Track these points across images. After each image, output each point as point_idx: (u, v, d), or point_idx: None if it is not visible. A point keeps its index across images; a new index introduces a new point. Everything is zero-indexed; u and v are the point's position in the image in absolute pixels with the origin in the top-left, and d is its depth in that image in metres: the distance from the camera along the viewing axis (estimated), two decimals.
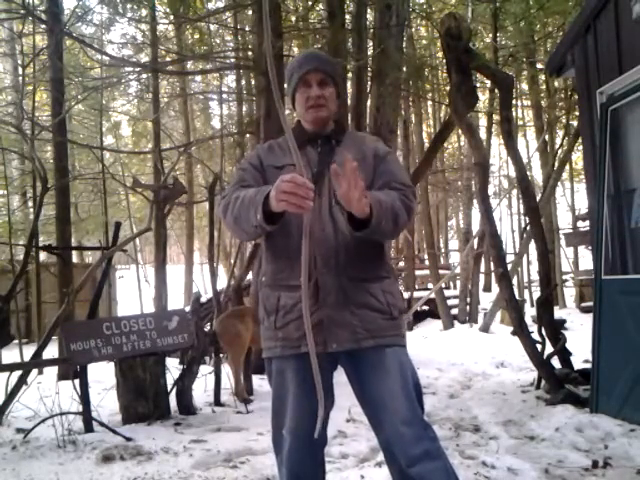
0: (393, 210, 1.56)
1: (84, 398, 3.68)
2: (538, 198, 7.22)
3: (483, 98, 11.93)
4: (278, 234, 1.68)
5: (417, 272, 13.50)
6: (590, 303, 8.59)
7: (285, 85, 1.86)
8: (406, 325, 7.68)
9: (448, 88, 5.75)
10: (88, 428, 3.62)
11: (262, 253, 1.85)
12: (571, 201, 16.47)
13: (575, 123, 8.78)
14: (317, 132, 1.79)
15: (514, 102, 11.76)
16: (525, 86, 13.55)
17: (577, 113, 5.69)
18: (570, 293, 14.51)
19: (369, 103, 6.78)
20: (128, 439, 3.36)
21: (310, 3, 9.10)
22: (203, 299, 7.02)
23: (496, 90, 6.30)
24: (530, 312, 8.95)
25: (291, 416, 1.69)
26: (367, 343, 1.63)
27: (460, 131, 9.79)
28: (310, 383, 1.56)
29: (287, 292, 1.68)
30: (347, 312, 1.64)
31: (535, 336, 4.41)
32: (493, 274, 8.54)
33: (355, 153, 1.72)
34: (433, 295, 9.95)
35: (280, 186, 1.41)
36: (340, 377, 1.76)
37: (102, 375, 5.19)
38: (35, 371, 4.83)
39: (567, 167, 12.80)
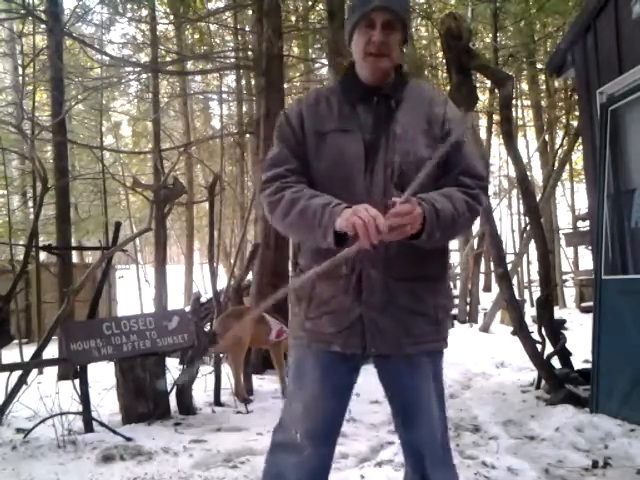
0: (453, 219, 1.38)
1: (84, 398, 3.68)
2: (538, 198, 7.22)
3: (483, 98, 11.93)
4: None
5: None
6: (590, 303, 8.58)
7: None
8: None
9: (448, 88, 5.74)
10: (88, 428, 3.62)
11: None
12: (571, 201, 16.48)
13: (575, 123, 8.78)
14: (374, 85, 1.50)
15: (514, 102, 11.76)
16: (525, 86, 13.55)
17: (577, 113, 5.69)
18: (570, 293, 14.51)
19: None
20: (128, 439, 3.35)
21: (310, 3, 9.10)
22: (203, 299, 7.01)
23: (496, 90, 6.30)
24: (530, 312, 8.95)
25: (306, 416, 1.51)
26: (408, 350, 1.48)
27: None
28: (334, 383, 1.49)
29: (325, 280, 1.46)
30: (390, 314, 1.45)
31: (535, 336, 4.41)
32: (493, 274, 8.55)
33: (420, 116, 1.49)
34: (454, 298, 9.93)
35: (355, 218, 1.26)
36: None
37: (102, 375, 5.18)
38: (35, 371, 4.82)
39: (567, 167, 12.80)
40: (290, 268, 1.63)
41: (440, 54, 10.82)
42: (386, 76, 1.50)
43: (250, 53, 8.08)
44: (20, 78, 9.37)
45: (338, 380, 1.52)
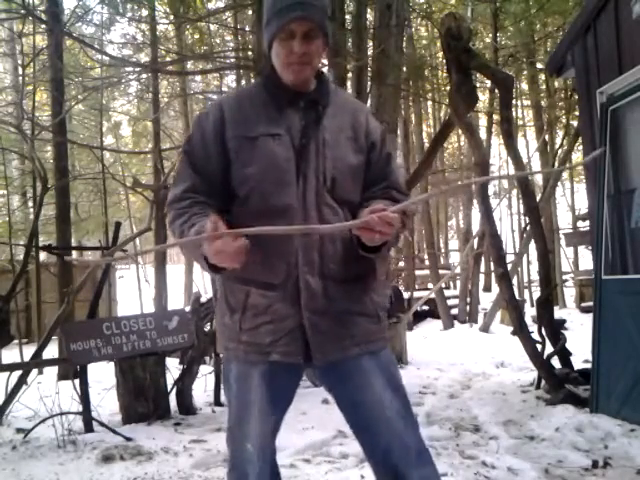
0: (397, 236, 1.43)
1: (84, 398, 3.68)
2: (538, 198, 7.22)
3: (483, 98, 11.93)
4: (252, 218, 1.38)
5: (417, 272, 13.50)
6: (590, 303, 8.58)
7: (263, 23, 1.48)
8: (405, 325, 7.67)
9: (448, 88, 5.75)
10: (88, 428, 3.62)
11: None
12: (571, 201, 16.48)
13: (575, 123, 8.78)
14: (298, 89, 1.47)
15: (514, 102, 11.76)
16: (525, 86, 13.55)
17: (577, 113, 5.69)
18: (570, 293, 14.51)
19: (369, 103, 6.78)
20: (128, 439, 3.36)
21: None
22: (203, 299, 7.00)
23: (496, 90, 6.30)
24: (530, 312, 8.95)
25: (259, 429, 1.45)
26: (353, 351, 1.43)
27: (460, 131, 9.79)
28: (277, 395, 1.45)
29: (260, 289, 1.42)
30: (331, 318, 1.41)
31: (535, 336, 4.41)
32: (493, 274, 8.55)
33: (345, 124, 1.49)
34: (433, 295, 9.95)
35: (210, 247, 1.23)
36: None
37: (102, 375, 5.18)
38: (35, 371, 4.82)
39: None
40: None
41: (440, 54, 10.82)
42: (308, 82, 1.49)
43: (250, 53, 8.07)
44: (20, 78, 9.36)
45: (283, 391, 1.49)
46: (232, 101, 1.51)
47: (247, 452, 1.46)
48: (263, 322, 1.42)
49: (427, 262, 14.32)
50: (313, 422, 3.57)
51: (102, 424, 3.62)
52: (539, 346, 4.36)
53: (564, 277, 15.15)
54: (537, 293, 8.90)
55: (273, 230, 1.32)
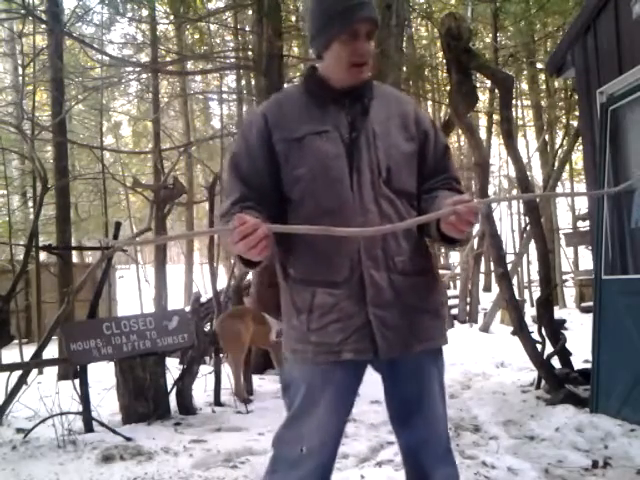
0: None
1: (84, 398, 3.68)
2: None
3: (483, 98, 11.93)
4: (309, 219, 1.38)
5: None
6: (590, 303, 8.59)
7: (309, 24, 1.44)
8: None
9: (448, 88, 5.75)
10: (88, 428, 3.62)
11: (289, 240, 1.47)
12: (571, 201, 16.48)
13: (575, 123, 8.78)
14: (345, 90, 1.45)
15: (514, 102, 11.77)
16: (525, 86, 13.55)
17: (577, 113, 5.69)
18: (570, 293, 14.52)
19: None
20: (128, 439, 3.36)
21: None
22: (203, 299, 7.02)
23: (496, 90, 6.30)
24: (530, 312, 8.95)
25: (317, 433, 1.43)
26: (416, 348, 1.44)
27: (460, 131, 9.79)
28: (346, 397, 1.45)
29: (325, 288, 1.41)
30: (396, 312, 1.41)
31: (535, 336, 4.41)
32: (493, 274, 8.55)
33: (393, 113, 1.48)
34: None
35: (232, 239, 1.21)
36: None
37: (102, 375, 5.18)
38: (35, 371, 4.82)
39: (567, 167, 12.81)
40: (280, 277, 1.53)
41: (440, 54, 10.83)
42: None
43: (250, 53, 8.07)
44: (20, 78, 9.37)
45: (348, 392, 1.48)
46: (273, 107, 1.49)
47: (296, 455, 1.43)
48: (331, 321, 1.40)
49: None
50: None
51: (102, 424, 3.62)
52: (539, 346, 4.36)
53: (564, 277, 15.16)
54: (537, 293, 8.91)
55: (339, 232, 1.28)
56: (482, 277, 15.27)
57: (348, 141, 1.41)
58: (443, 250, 20.67)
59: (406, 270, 1.43)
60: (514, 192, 15.93)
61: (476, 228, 12.17)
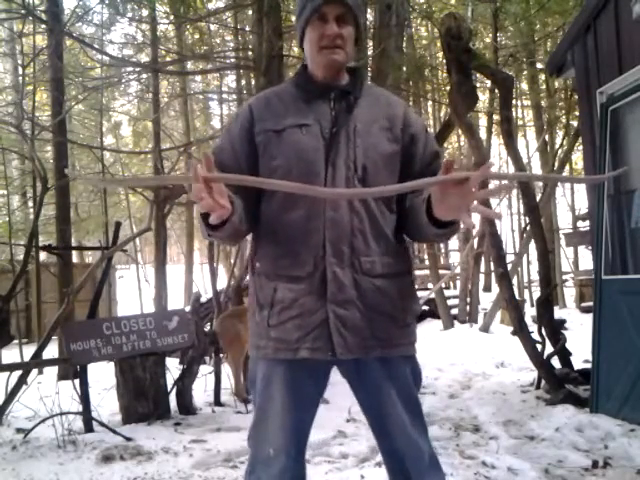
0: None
1: (84, 398, 3.68)
2: (538, 198, 7.22)
3: (483, 98, 11.93)
4: (279, 210, 1.39)
5: (417, 272, 13.50)
6: (590, 303, 8.59)
7: (294, 18, 1.46)
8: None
9: (448, 88, 5.75)
10: (88, 428, 3.62)
11: (257, 232, 1.49)
12: (571, 201, 16.47)
13: (575, 123, 8.78)
14: (329, 82, 1.45)
15: (514, 102, 11.77)
16: (525, 86, 13.55)
17: (577, 113, 5.69)
18: (570, 293, 14.50)
19: None
20: (128, 439, 3.36)
21: None
22: (203, 299, 7.02)
23: (496, 90, 6.30)
24: (530, 312, 8.95)
25: (278, 432, 1.42)
26: (375, 352, 1.40)
27: (460, 131, 9.79)
28: (301, 395, 1.42)
29: (287, 283, 1.39)
30: (357, 312, 1.37)
31: (535, 336, 4.41)
32: (493, 274, 8.54)
33: (380, 114, 1.45)
34: (433, 295, 9.94)
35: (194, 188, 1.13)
36: (337, 375, 1.60)
37: (102, 375, 5.19)
38: (35, 371, 4.82)
39: (567, 167, 12.80)
40: (249, 271, 1.53)
41: (440, 54, 10.83)
42: (340, 73, 1.47)
43: (250, 53, 8.08)
44: (20, 78, 9.37)
45: (308, 390, 1.45)
46: (261, 99, 1.50)
47: (267, 455, 1.43)
48: (290, 317, 1.38)
49: (427, 262, 14.32)
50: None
51: (102, 424, 3.62)
52: (539, 346, 4.36)
53: (564, 277, 15.15)
54: (537, 293, 8.90)
55: (297, 188, 1.19)
56: (482, 277, 15.26)
57: (328, 135, 1.40)
58: (443, 250, 20.70)
59: (373, 272, 1.39)
60: (514, 192, 15.95)
61: (476, 228, 12.17)
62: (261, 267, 1.46)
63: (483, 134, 12.08)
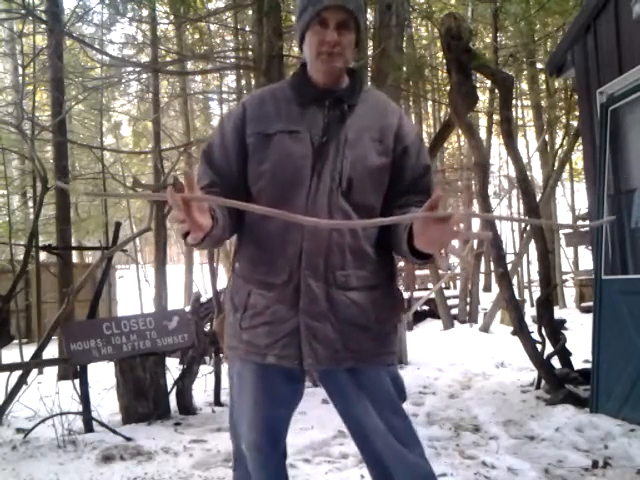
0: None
1: (84, 398, 3.68)
2: (538, 198, 7.22)
3: (483, 98, 11.92)
4: (261, 217, 1.35)
5: (417, 272, 13.49)
6: (590, 303, 8.58)
7: (294, 18, 1.43)
8: (405, 325, 7.69)
9: (448, 88, 5.74)
10: (88, 428, 3.62)
11: (240, 234, 1.49)
12: (571, 201, 16.47)
13: (575, 123, 8.78)
14: (327, 87, 1.42)
15: (514, 102, 11.77)
16: (525, 86, 13.54)
17: (577, 113, 5.69)
18: (570, 293, 14.51)
19: None
20: (128, 439, 3.36)
21: None
22: (203, 299, 7.01)
23: (496, 90, 6.30)
24: (530, 312, 8.95)
25: (249, 429, 1.45)
26: (346, 364, 1.39)
27: (460, 131, 9.79)
28: (274, 394, 1.43)
29: (261, 290, 1.40)
30: (329, 325, 1.36)
31: (535, 336, 4.41)
32: (493, 274, 8.54)
33: (373, 124, 1.42)
34: (433, 295, 9.94)
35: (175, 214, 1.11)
36: None
37: (102, 375, 5.18)
38: (35, 371, 4.82)
39: (567, 167, 12.80)
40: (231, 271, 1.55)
41: (440, 54, 10.82)
42: (339, 79, 1.44)
43: (250, 53, 8.07)
44: (20, 78, 9.37)
45: (278, 389, 1.45)
46: (255, 99, 1.47)
47: (242, 451, 1.49)
48: (261, 323, 1.39)
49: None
50: (313, 422, 3.57)
51: (102, 424, 3.62)
52: (539, 346, 4.36)
53: (564, 277, 15.15)
54: (537, 293, 8.90)
55: (287, 216, 1.16)
56: (482, 277, 15.26)
57: (318, 144, 1.37)
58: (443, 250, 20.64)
59: (348, 285, 1.38)
60: (514, 192, 15.95)
61: (476, 228, 12.17)
62: (239, 269, 1.47)
63: (483, 134, 12.07)
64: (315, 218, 1.24)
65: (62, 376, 5.79)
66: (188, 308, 5.56)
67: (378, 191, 1.42)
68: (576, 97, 5.25)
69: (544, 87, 12.09)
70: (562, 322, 8.23)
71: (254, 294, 1.41)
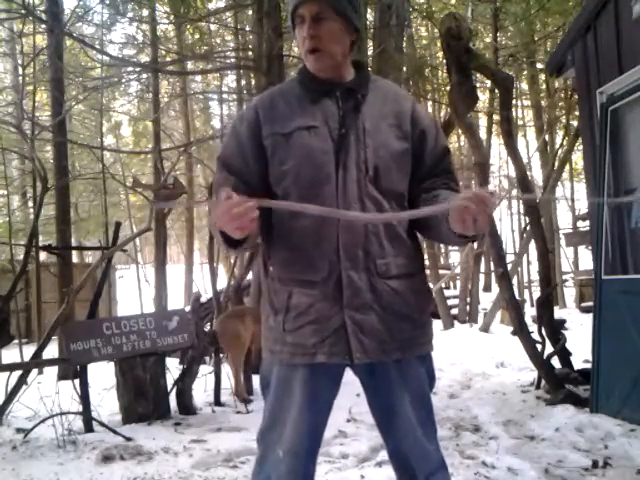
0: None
1: (84, 398, 3.68)
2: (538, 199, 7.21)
3: (483, 98, 11.93)
4: (292, 215, 1.35)
5: None
6: (590, 303, 8.59)
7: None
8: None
9: (448, 88, 5.74)
10: (88, 428, 3.62)
11: (269, 236, 1.47)
12: (571, 201, 16.47)
13: (575, 123, 8.78)
14: (332, 80, 1.41)
15: (514, 102, 11.76)
16: (525, 86, 13.55)
17: (577, 113, 5.69)
18: (570, 293, 14.51)
19: None
20: (128, 439, 3.36)
21: None
22: (203, 299, 7.02)
23: (496, 90, 6.30)
24: (530, 312, 8.95)
25: (291, 434, 1.40)
26: (395, 355, 1.39)
27: (460, 131, 9.79)
28: (320, 398, 1.41)
29: (302, 289, 1.38)
30: (374, 316, 1.36)
31: (535, 336, 4.41)
32: (493, 274, 8.55)
33: (387, 111, 1.42)
34: (433, 295, 9.93)
35: (216, 213, 1.18)
36: None
37: (102, 375, 5.18)
38: (35, 371, 4.82)
39: (567, 167, 12.80)
40: (262, 275, 1.52)
41: (440, 54, 10.82)
42: (341, 69, 1.42)
43: (250, 53, 8.08)
44: (20, 78, 9.37)
45: (323, 394, 1.44)
46: (266, 100, 1.46)
47: (277, 457, 1.41)
48: (306, 322, 1.37)
49: (427, 262, 14.32)
50: None
51: (102, 424, 3.62)
52: (539, 346, 4.36)
53: (564, 277, 15.16)
54: (537, 293, 8.90)
55: (319, 211, 1.26)
56: (482, 277, 15.27)
57: (337, 137, 1.37)
58: (443, 250, 20.70)
59: (388, 273, 1.38)
60: (514, 192, 15.95)
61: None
62: (274, 271, 1.44)
63: (483, 134, 12.08)
64: (363, 214, 1.32)
65: (62, 376, 5.79)
66: (188, 308, 5.57)
67: (403, 176, 1.44)
68: (576, 97, 5.25)
69: (544, 87, 12.11)
70: (562, 322, 8.23)
71: (296, 294, 1.38)
